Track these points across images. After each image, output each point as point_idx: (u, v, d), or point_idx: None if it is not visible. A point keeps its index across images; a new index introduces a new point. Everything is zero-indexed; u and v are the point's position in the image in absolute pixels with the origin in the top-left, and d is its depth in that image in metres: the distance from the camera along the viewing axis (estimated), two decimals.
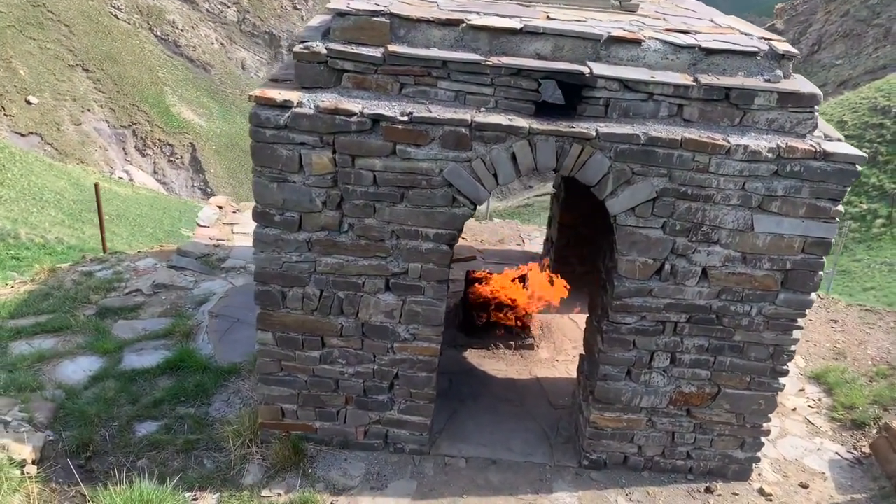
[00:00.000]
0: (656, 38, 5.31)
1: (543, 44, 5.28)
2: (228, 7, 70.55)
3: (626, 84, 5.18)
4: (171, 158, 58.28)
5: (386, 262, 5.59)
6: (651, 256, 5.50)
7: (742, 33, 5.72)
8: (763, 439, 6.30)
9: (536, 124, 5.12)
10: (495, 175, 5.26)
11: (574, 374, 7.66)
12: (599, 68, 5.17)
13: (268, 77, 5.57)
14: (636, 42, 5.27)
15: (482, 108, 5.23)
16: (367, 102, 5.18)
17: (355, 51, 5.18)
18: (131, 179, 49.92)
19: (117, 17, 61.54)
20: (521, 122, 5.13)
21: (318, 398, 6.17)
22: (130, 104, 57.42)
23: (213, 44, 68.61)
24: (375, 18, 5.24)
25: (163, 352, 7.64)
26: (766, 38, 5.56)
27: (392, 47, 5.19)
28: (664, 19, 6.06)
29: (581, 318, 8.66)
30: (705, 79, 5.20)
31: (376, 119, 5.11)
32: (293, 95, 5.15)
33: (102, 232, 12.48)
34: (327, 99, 5.16)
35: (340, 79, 5.28)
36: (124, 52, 59.21)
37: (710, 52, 5.29)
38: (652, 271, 5.54)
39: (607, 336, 5.80)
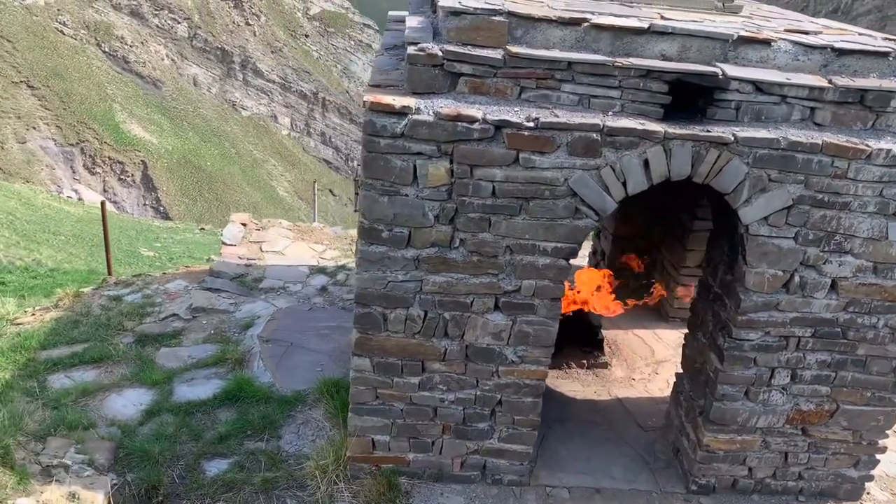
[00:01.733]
0: (786, 39, 5.04)
1: (670, 44, 4.97)
2: (179, 23, 69.52)
3: (758, 86, 4.89)
4: (122, 177, 57.01)
5: (498, 279, 5.19)
6: (781, 268, 5.20)
7: (860, 34, 5.50)
8: (878, 456, 6.03)
9: (671, 128, 4.80)
10: (624, 183, 4.92)
11: (653, 394, 7.34)
12: (732, 70, 4.87)
13: (367, 82, 5.16)
14: (766, 42, 5.00)
15: (609, 112, 4.89)
16: (487, 108, 4.80)
17: (475, 52, 4.80)
18: (80, 199, 48.40)
19: (63, 33, 60.09)
20: (655, 126, 4.80)
21: (414, 428, 5.71)
22: (78, 121, 56.02)
23: (163, 59, 67.49)
24: (494, 18, 4.87)
25: (216, 381, 7.10)
26: (889, 38, 5.34)
27: (514, 48, 4.82)
28: (769, 20, 5.82)
29: (644, 334, 8.35)
30: (841, 80, 4.94)
31: (500, 126, 4.73)
32: (409, 101, 4.74)
33: (108, 254, 11.80)
34: (446, 105, 4.77)
35: (456, 83, 4.89)
36: (71, 68, 57.80)
37: (841, 52, 5.04)
38: (780, 284, 5.24)
39: (728, 354, 5.47)
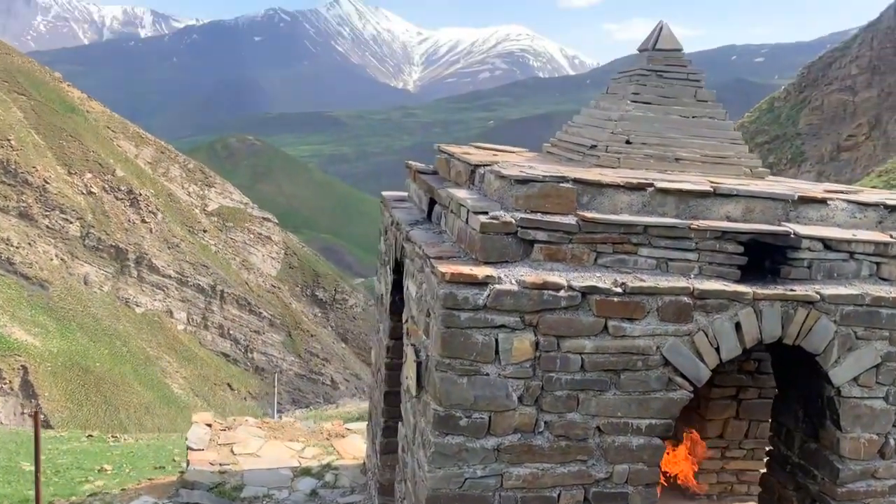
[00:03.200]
0: (839, 199, 5.10)
1: (735, 206, 4.91)
2: (71, 222, 68.08)
3: (826, 244, 4.84)
4: None
5: (587, 466, 4.60)
6: (875, 431, 4.89)
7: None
8: None
9: (758, 289, 4.60)
10: (717, 349, 4.59)
11: None
12: (801, 228, 4.82)
13: (430, 254, 4.75)
14: (823, 202, 5.03)
15: (690, 275, 4.66)
16: (567, 275, 4.47)
17: (550, 219, 4.54)
18: None
19: None
20: (744, 287, 4.59)
21: None
22: None
23: (52, 259, 65.11)
24: (562, 185, 4.69)
25: None
26: None
27: (588, 214, 4.61)
28: (797, 185, 5.96)
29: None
30: None
31: (587, 292, 4.39)
32: (490, 271, 4.36)
33: (38, 486, 10.15)
34: (527, 273, 4.41)
35: (529, 251, 4.57)
36: None
37: (893, 209, 5.13)
38: (876, 449, 4.91)
39: None
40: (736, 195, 4.90)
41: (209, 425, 9.20)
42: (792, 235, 4.75)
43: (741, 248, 4.73)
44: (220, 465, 8.20)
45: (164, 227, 75.56)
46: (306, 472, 8.19)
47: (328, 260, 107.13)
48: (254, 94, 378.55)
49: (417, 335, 5.08)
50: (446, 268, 4.34)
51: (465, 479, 4.48)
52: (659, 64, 6.03)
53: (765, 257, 4.90)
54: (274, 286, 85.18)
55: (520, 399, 4.44)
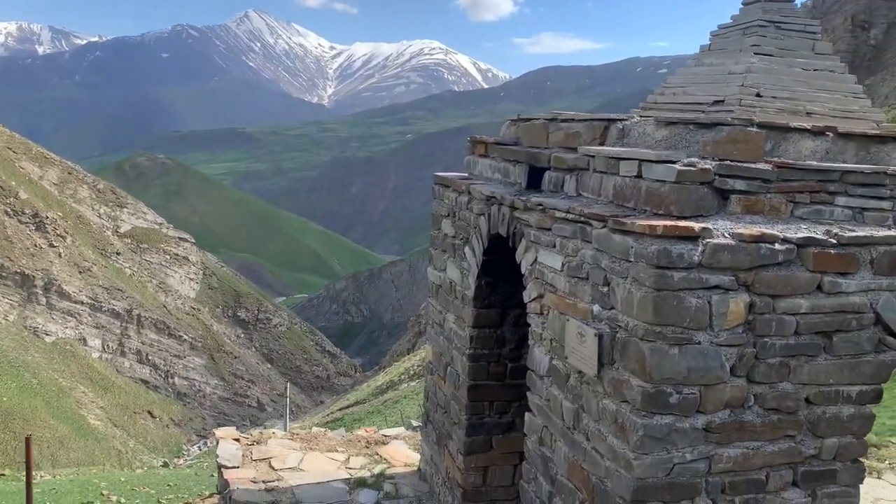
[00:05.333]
0: None
1: None
2: None
3: None
4: None
5: (796, 442, 4.09)
6: None
7: None
8: None
9: None
10: None
11: None
12: None
13: (602, 213, 4.14)
14: None
15: (884, 225, 4.24)
16: (769, 228, 3.96)
17: (748, 166, 4.02)
18: None
19: None
20: None
21: None
22: None
23: None
24: (750, 129, 4.19)
25: None
26: None
27: (779, 161, 4.13)
28: None
29: None
30: None
31: (802, 245, 3.89)
32: (704, 224, 3.80)
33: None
34: (736, 226, 3.88)
35: (724, 203, 4.04)
36: None
37: None
38: None
39: None
40: None
41: (237, 440, 8.24)
42: None
43: None
44: (264, 482, 7.28)
45: (73, 251, 71.55)
46: (361, 482, 7.38)
47: (248, 279, 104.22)
48: (162, 112, 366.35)
49: (574, 309, 4.47)
50: (655, 222, 3.75)
51: (674, 464, 3.89)
52: (774, 15, 5.65)
53: None
54: (193, 308, 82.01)
55: (732, 370, 3.89)
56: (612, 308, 4.08)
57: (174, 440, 63.46)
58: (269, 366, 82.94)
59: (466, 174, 7.02)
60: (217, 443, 8.08)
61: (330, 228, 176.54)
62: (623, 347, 3.94)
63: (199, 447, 59.40)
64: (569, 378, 4.59)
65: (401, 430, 9.24)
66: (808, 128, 4.33)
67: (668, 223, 3.72)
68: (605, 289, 4.16)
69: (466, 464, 6.53)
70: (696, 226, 3.74)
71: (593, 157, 4.66)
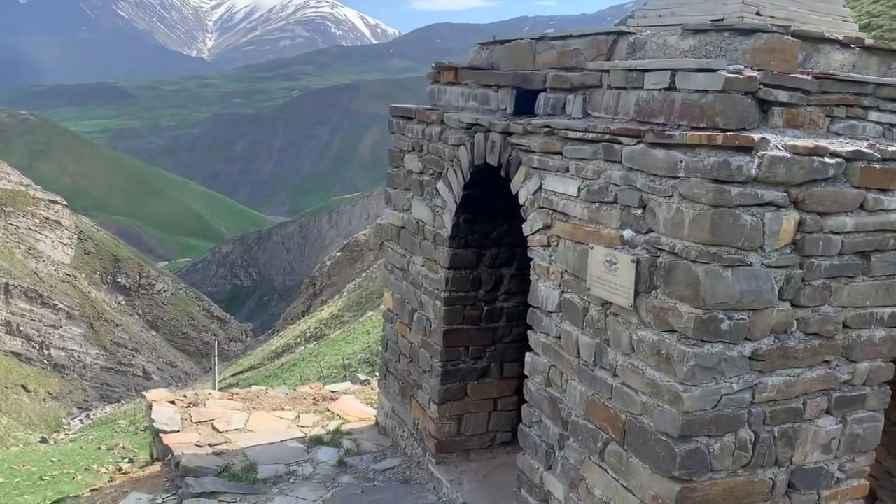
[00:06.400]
0: None
1: None
2: None
3: None
4: None
5: (832, 368, 3.93)
6: None
7: None
8: None
9: None
10: None
11: None
12: None
13: (636, 129, 3.76)
14: None
15: None
16: (810, 141, 3.72)
17: (792, 76, 3.74)
18: None
19: None
20: None
21: None
22: None
23: None
24: (786, 38, 3.92)
25: None
26: None
27: (822, 72, 3.88)
28: None
29: None
30: None
31: (850, 159, 3.67)
32: (761, 134, 3.50)
33: None
34: (790, 138, 3.60)
35: (766, 115, 3.75)
36: None
37: None
38: None
39: None
40: None
41: (172, 402, 7.48)
42: None
43: None
44: (210, 445, 6.62)
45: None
46: (318, 440, 6.86)
47: (127, 243, 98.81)
48: (23, 65, 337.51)
49: (597, 236, 4.11)
50: (715, 134, 3.41)
51: (722, 395, 3.63)
52: None
53: None
54: (69, 275, 77.02)
55: (780, 293, 3.65)
56: (651, 231, 3.74)
57: (52, 415, 59.84)
58: (153, 333, 79.40)
59: (430, 105, 6.49)
60: (150, 407, 7.29)
61: (214, 189, 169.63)
62: (668, 272, 3.61)
63: (81, 420, 56.26)
64: (587, 312, 4.24)
65: (347, 384, 8.73)
66: (840, 38, 4.10)
67: (728, 133, 3.39)
68: (640, 211, 3.81)
69: (441, 413, 6.14)
70: (756, 136, 3.43)
71: (607, 72, 4.27)
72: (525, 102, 5.12)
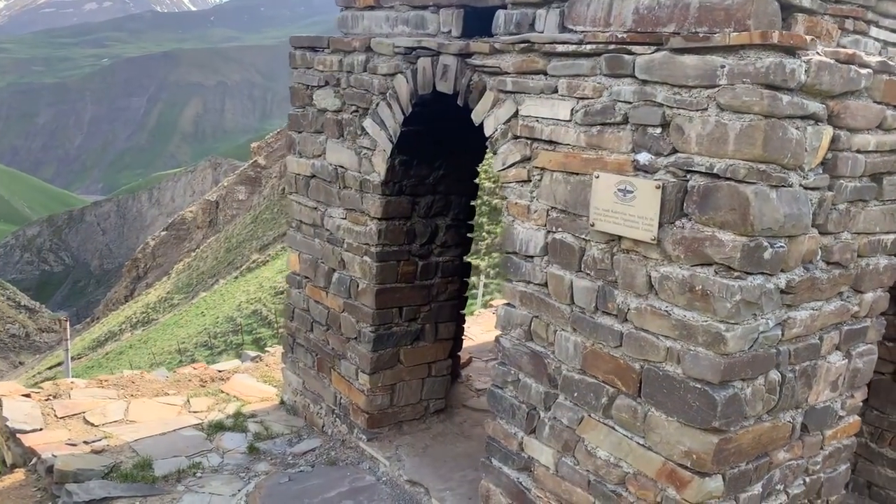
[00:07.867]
0: None
1: None
2: None
3: None
4: None
5: (844, 299, 3.69)
6: None
7: None
8: None
9: None
10: None
11: None
12: None
13: (632, 29, 3.25)
14: None
15: None
16: (849, 49, 3.41)
17: None
18: None
19: None
20: None
21: None
22: None
23: None
24: None
25: None
26: None
27: None
28: None
29: None
30: None
31: (878, 71, 3.40)
32: (805, 35, 3.10)
33: None
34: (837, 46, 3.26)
35: (788, 22, 3.38)
36: None
37: None
38: None
39: None
40: None
41: (27, 396, 6.13)
42: None
43: None
44: (87, 443, 5.46)
45: None
46: (219, 426, 5.89)
47: None
48: None
49: (600, 164, 3.58)
50: (771, 32, 2.96)
51: (759, 333, 3.25)
52: None
53: None
54: None
55: (813, 217, 3.32)
56: (676, 152, 3.26)
57: None
58: None
59: (342, 34, 5.65)
60: None
61: (14, 166, 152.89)
62: (704, 196, 3.15)
63: None
64: (584, 252, 3.71)
65: (236, 362, 7.70)
66: None
67: (782, 33, 2.96)
68: (658, 130, 3.31)
69: (372, 383, 5.43)
70: (807, 36, 3.02)
71: None
72: (479, 23, 4.47)
